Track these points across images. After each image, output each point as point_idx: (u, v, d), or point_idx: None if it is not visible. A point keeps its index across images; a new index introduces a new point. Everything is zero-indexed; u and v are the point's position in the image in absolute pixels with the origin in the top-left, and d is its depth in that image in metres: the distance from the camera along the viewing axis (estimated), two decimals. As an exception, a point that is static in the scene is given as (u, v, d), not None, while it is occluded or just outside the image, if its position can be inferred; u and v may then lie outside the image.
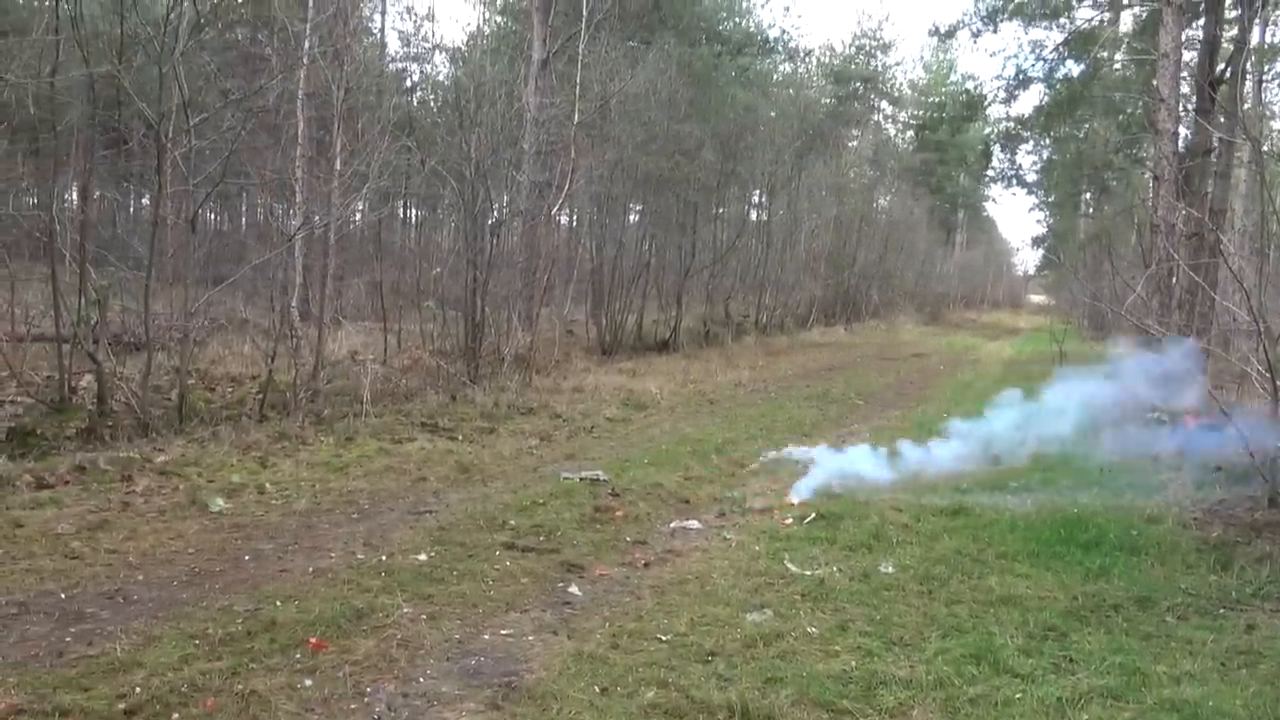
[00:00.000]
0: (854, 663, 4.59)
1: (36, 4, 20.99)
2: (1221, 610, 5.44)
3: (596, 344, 19.36)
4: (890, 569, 6.06)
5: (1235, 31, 17.92)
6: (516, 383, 13.29)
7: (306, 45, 13.21)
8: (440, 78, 27.14)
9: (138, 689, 4.09)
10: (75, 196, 13.91)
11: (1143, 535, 6.75)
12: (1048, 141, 34.81)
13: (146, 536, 6.29)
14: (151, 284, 9.51)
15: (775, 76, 36.05)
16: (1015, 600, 5.48)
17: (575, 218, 23.13)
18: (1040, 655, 4.72)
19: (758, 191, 30.79)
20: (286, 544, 6.34)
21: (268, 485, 7.76)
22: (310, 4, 13.65)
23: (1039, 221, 63.59)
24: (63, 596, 5.17)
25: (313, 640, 4.63)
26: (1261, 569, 6.05)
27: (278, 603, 5.11)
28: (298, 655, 4.50)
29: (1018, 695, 4.29)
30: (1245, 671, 4.59)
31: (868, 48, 49.75)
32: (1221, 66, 16.47)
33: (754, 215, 31.36)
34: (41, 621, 4.82)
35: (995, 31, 25.98)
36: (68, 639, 4.62)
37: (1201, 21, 19.12)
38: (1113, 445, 10.08)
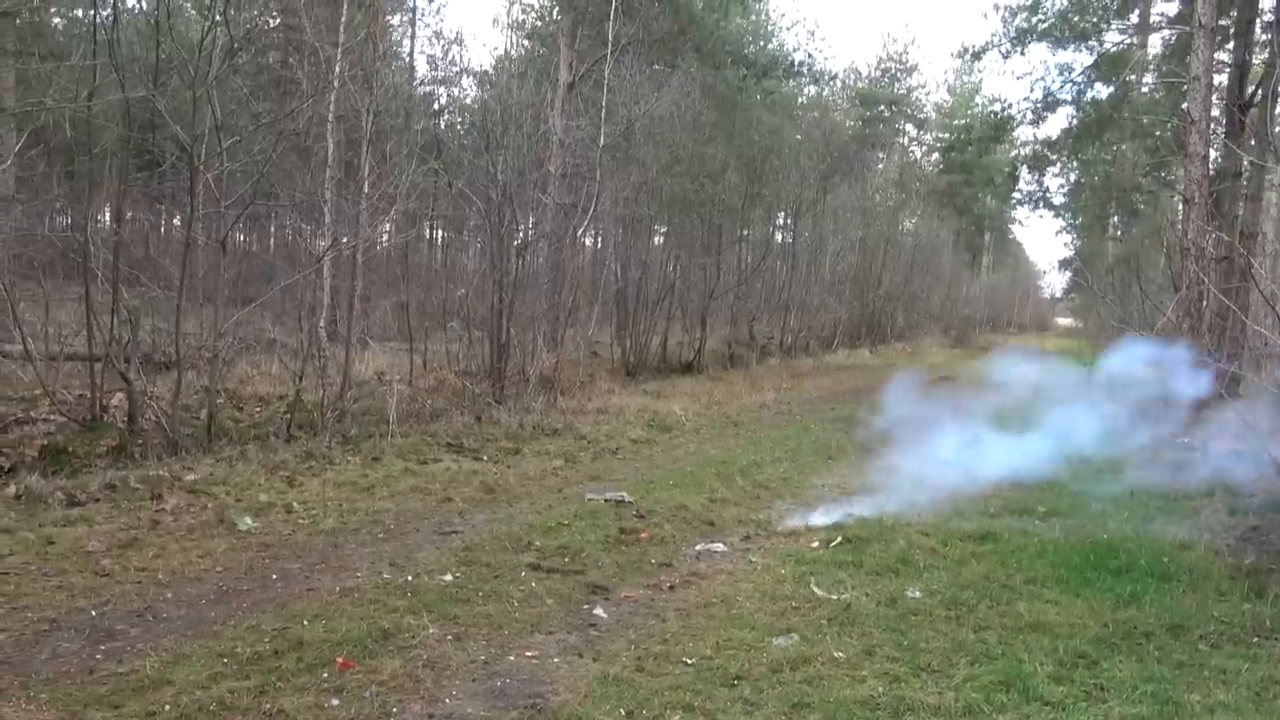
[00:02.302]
0: (881, 689, 4.55)
1: (77, 30, 21.39)
2: (1256, 639, 5.36)
3: (621, 365, 19.38)
4: (917, 594, 6.00)
5: (1266, 55, 17.80)
6: (541, 404, 13.32)
7: (337, 69, 13.39)
8: (468, 101, 27.43)
9: (167, 707, 4.12)
10: (109, 217, 14.12)
11: (1174, 562, 6.66)
12: (1075, 164, 34.55)
13: (176, 555, 6.34)
14: (182, 304, 9.63)
15: (800, 100, 36.09)
16: (1045, 627, 5.42)
17: (600, 239, 23.25)
18: (1071, 683, 4.66)
19: (783, 213, 30.78)
20: (313, 563, 6.37)
21: (295, 504, 7.81)
22: (341, 29, 13.83)
23: (1066, 244, 63.02)
24: (93, 614, 5.22)
25: (340, 660, 4.65)
26: (1296, 597, 5.96)
27: (305, 622, 5.14)
28: (325, 674, 4.52)
29: (1048, 724, 4.24)
30: (1281, 702, 4.52)
31: (893, 71, 49.77)
32: (1251, 90, 16.34)
33: (779, 237, 31.36)
34: (72, 638, 4.87)
35: (1023, 54, 25.84)
36: (98, 656, 4.67)
37: (1231, 45, 19.02)
38: (1143, 471, 9.98)
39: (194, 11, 18.75)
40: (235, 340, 11.75)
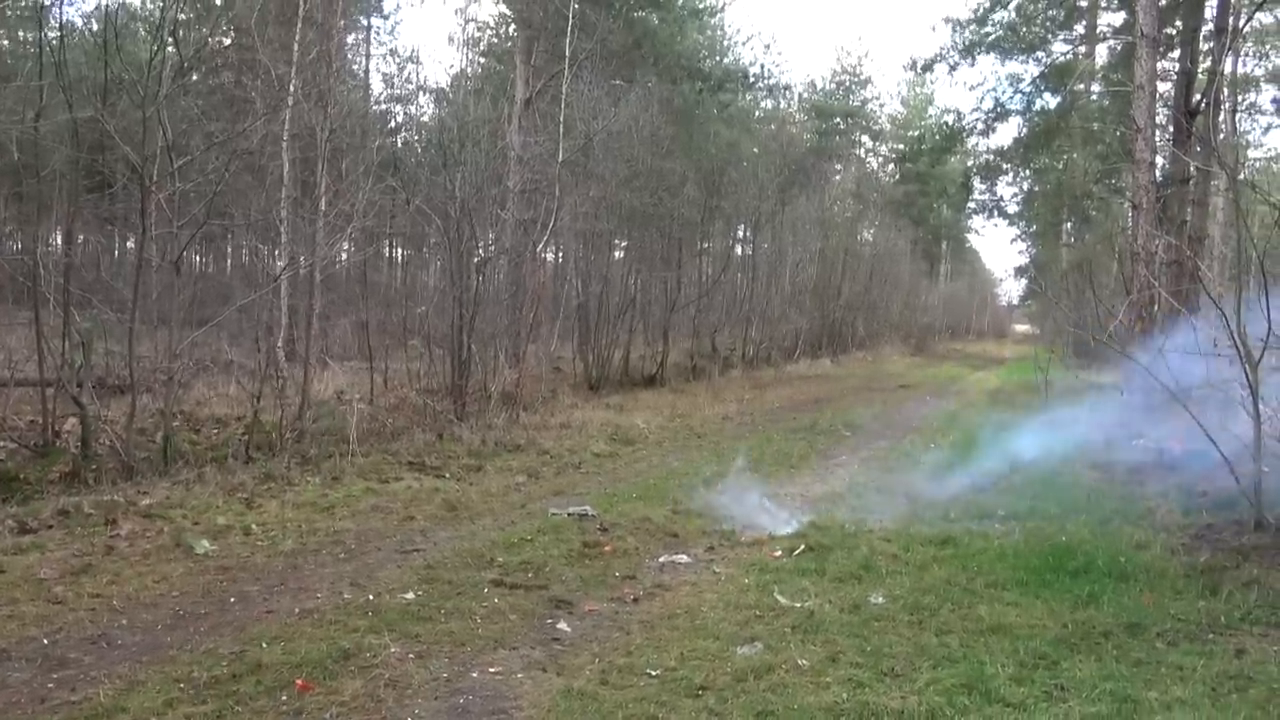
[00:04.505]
0: (845, 695, 4.56)
1: (23, 51, 21.09)
2: (1211, 635, 5.44)
3: (583, 380, 19.35)
4: (880, 600, 6.04)
5: (1209, 63, 18.23)
6: (503, 420, 13.26)
7: (291, 88, 13.30)
8: (425, 118, 27.36)
9: (121, 735, 4.04)
10: (59, 240, 13.92)
11: (1131, 561, 6.75)
12: (1027, 172, 35.14)
13: (130, 580, 6.22)
14: (136, 326, 9.49)
15: (757, 113, 36.40)
16: (1005, 629, 5.47)
17: (561, 254, 23.25)
18: (1031, 684, 4.70)
19: (742, 226, 30.98)
20: (272, 585, 6.28)
21: (253, 526, 7.70)
22: (295, 47, 13.76)
23: (1021, 252, 63.96)
24: (45, 642, 5.10)
25: (299, 682, 4.58)
26: (1249, 593, 6.06)
27: (263, 644, 5.06)
28: (284, 697, 4.45)
29: (1009, 724, 4.27)
30: (1236, 696, 4.58)
31: (847, 83, 50.31)
32: (1197, 98, 16.72)
33: (739, 250, 31.55)
34: (24, 668, 4.76)
35: (972, 65, 26.36)
36: (50, 685, 4.56)
37: (1177, 53, 19.45)
38: (1100, 472, 10.12)
39: (144, 31, 18.57)
40: (191, 362, 11.61)
